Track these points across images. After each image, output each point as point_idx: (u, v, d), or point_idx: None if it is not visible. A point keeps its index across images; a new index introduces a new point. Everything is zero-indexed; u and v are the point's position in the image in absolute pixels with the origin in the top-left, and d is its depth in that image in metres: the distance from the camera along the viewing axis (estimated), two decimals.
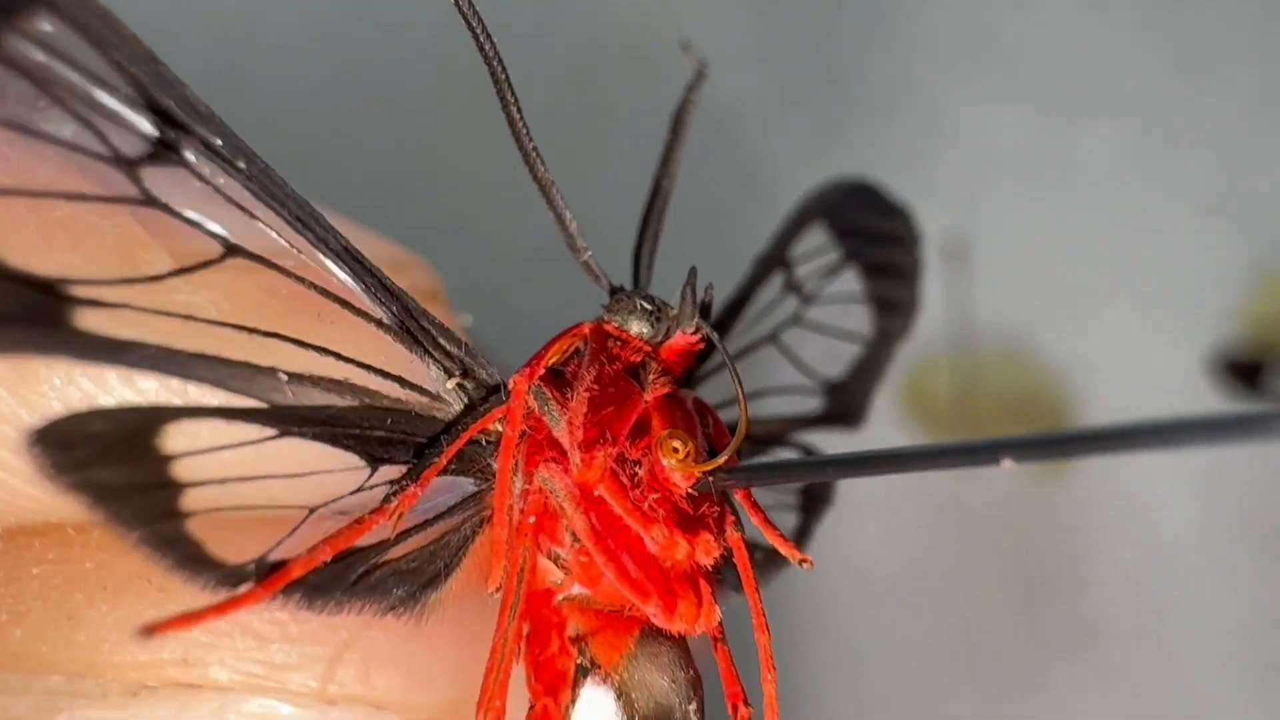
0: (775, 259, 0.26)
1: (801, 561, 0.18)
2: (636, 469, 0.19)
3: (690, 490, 0.19)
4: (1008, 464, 0.16)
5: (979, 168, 0.56)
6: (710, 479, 0.19)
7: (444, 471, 0.19)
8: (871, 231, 0.28)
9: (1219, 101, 0.59)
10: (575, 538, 0.19)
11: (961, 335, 0.55)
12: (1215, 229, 0.56)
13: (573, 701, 0.19)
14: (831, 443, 0.27)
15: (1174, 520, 0.56)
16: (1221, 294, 0.56)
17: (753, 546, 0.20)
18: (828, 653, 0.55)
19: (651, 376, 0.20)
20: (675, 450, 0.18)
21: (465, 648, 0.20)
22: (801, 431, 0.26)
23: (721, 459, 0.19)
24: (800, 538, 0.26)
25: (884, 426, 0.58)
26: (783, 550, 0.19)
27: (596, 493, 0.19)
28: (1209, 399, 0.54)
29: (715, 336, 0.20)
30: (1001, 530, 0.57)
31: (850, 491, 0.62)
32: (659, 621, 0.19)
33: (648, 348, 0.20)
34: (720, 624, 0.20)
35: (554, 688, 0.19)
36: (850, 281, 0.27)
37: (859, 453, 0.18)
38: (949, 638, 0.56)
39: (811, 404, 0.26)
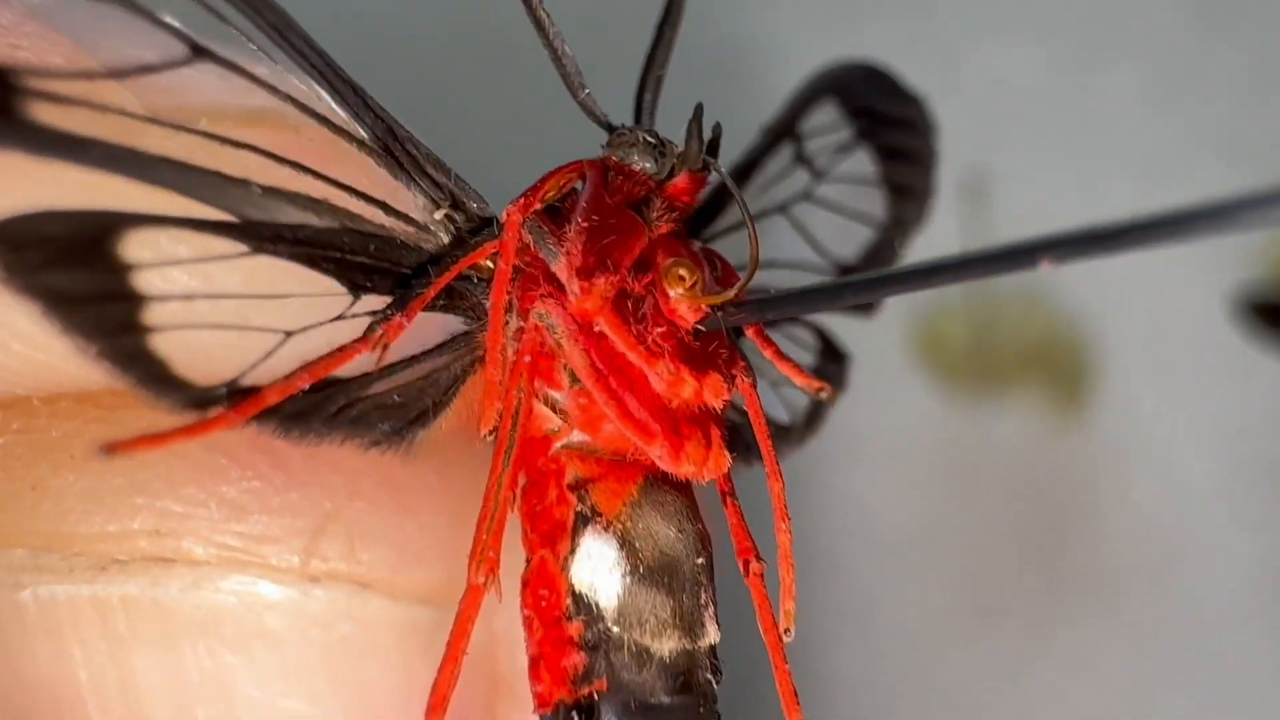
0: (784, 129, 0.24)
1: (819, 390, 0.17)
2: (640, 305, 0.17)
3: (698, 327, 0.17)
4: (1045, 267, 0.15)
5: (996, 109, 0.55)
6: (719, 314, 0.17)
7: (432, 307, 0.18)
8: (884, 114, 0.26)
9: (1238, 41, 0.57)
10: (574, 379, 0.18)
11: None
12: (1235, 170, 0.55)
13: (572, 552, 0.17)
14: (842, 325, 0.26)
15: (1192, 467, 0.54)
16: (1241, 237, 0.54)
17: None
18: (840, 603, 0.54)
19: (656, 214, 0.18)
20: (682, 278, 0.17)
21: (457, 527, 0.18)
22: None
23: (731, 293, 0.17)
24: (811, 420, 0.24)
25: (897, 372, 0.56)
26: (799, 382, 0.17)
27: (597, 328, 0.17)
28: (1229, 342, 0.53)
29: (723, 172, 0.19)
30: (1016, 478, 0.56)
31: (862, 440, 0.60)
32: (665, 465, 0.17)
33: (651, 184, 0.19)
34: (729, 477, 0.18)
35: (552, 538, 0.18)
36: (863, 163, 0.26)
37: (879, 271, 0.16)
38: (963, 587, 0.55)
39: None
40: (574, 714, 0.17)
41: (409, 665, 0.18)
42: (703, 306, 0.17)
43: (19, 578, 0.18)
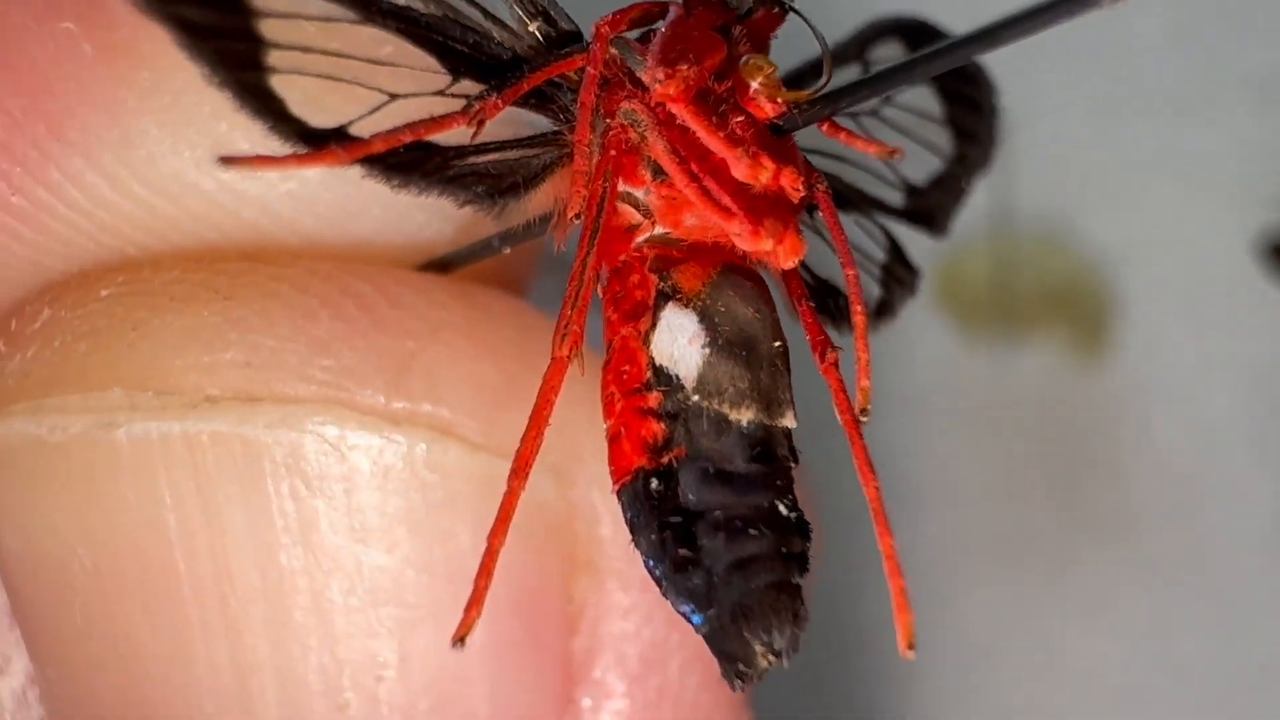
0: (852, 54, 0.25)
1: (891, 154, 0.18)
2: (721, 102, 0.18)
3: (776, 121, 0.18)
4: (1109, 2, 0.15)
5: (1022, 50, 0.56)
6: (797, 113, 0.18)
7: (523, 105, 0.19)
8: None
9: None
10: (656, 172, 0.19)
11: (1002, 217, 0.54)
12: (1264, 112, 0.55)
13: (653, 327, 0.18)
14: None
15: (1213, 408, 0.55)
16: (1268, 178, 0.55)
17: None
18: (863, 544, 0.54)
19: (735, 38, 0.19)
20: (760, 68, 0.18)
21: (536, 381, 0.18)
22: (880, 215, 0.25)
23: (807, 93, 0.18)
24: (882, 313, 0.25)
25: (918, 314, 0.57)
26: (872, 151, 0.18)
27: (679, 121, 0.18)
28: (1251, 283, 0.53)
29: (796, 8, 0.20)
30: (1036, 419, 0.56)
31: (882, 382, 0.60)
32: (744, 243, 0.18)
33: (732, 16, 0.20)
34: (802, 282, 0.19)
35: (634, 315, 0.18)
36: (928, 99, 0.26)
37: (945, 42, 0.17)
38: (984, 528, 0.55)
39: (891, 195, 0.25)
40: (653, 479, 0.18)
41: (486, 521, 0.18)
42: (779, 100, 0.18)
43: (114, 417, 0.19)
